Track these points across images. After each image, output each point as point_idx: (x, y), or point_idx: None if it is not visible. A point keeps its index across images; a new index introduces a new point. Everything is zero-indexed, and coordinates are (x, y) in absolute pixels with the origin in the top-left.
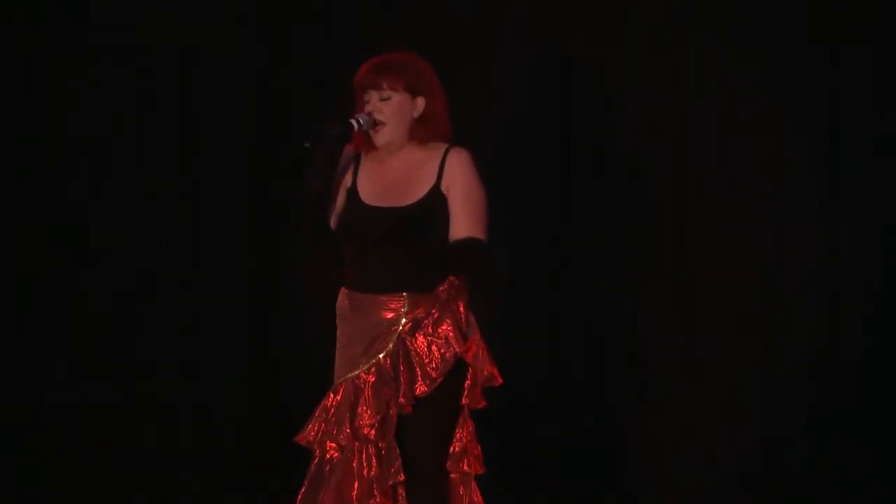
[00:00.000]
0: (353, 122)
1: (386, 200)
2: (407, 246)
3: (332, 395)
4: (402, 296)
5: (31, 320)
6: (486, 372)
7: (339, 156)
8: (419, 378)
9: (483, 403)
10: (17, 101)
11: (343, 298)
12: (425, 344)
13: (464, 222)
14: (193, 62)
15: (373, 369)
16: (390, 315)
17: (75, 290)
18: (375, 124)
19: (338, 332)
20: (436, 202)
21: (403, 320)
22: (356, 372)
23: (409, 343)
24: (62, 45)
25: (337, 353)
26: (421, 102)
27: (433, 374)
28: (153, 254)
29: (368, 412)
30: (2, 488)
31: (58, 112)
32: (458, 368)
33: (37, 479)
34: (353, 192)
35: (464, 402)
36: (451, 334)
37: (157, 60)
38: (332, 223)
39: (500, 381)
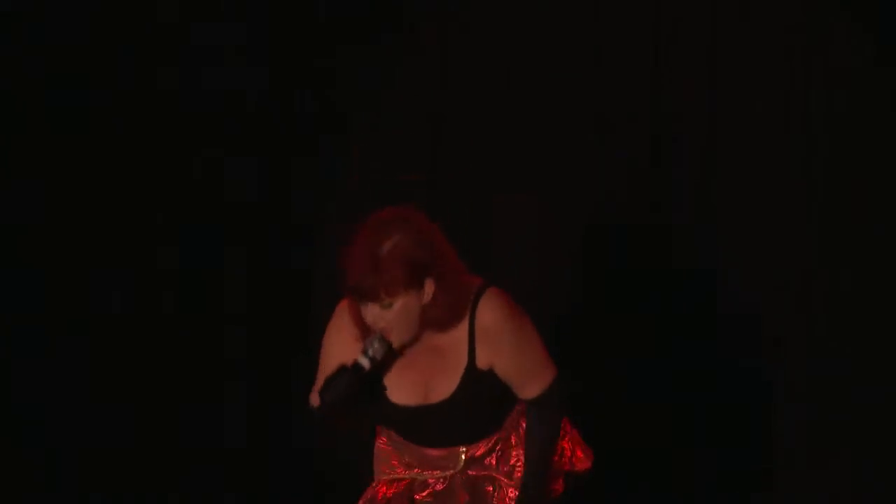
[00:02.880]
0: (365, 360)
1: (415, 398)
2: (451, 429)
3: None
4: (461, 449)
5: None
6: (578, 467)
7: (366, 388)
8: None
9: (559, 489)
10: None
11: (384, 438)
12: (488, 477)
13: (528, 384)
14: None
15: (426, 492)
16: (446, 458)
17: None
18: (389, 345)
19: (377, 441)
20: (474, 383)
21: (461, 462)
22: (398, 476)
23: (461, 483)
24: None
25: (377, 440)
26: (429, 286)
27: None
28: None
29: None
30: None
31: None
32: None
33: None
34: (375, 385)
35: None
36: (517, 468)
37: None
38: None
39: (588, 465)
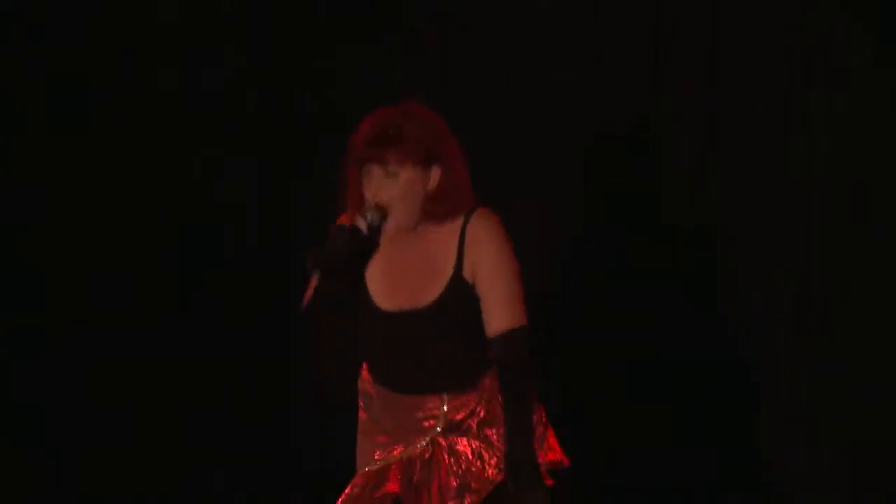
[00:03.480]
0: (361, 222)
1: (400, 301)
2: (433, 350)
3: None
4: (442, 398)
5: None
6: (548, 457)
7: (357, 254)
8: (452, 490)
9: (548, 482)
10: None
11: (366, 384)
12: (469, 450)
13: (498, 312)
14: None
15: (398, 475)
16: (426, 418)
17: None
18: (385, 216)
19: (360, 413)
20: (459, 292)
21: (441, 425)
22: (377, 466)
23: (445, 448)
24: None
25: (358, 436)
26: (435, 174)
27: (473, 485)
28: None
29: None
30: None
31: None
32: None
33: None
34: (361, 289)
35: None
36: (496, 442)
37: None
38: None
39: (567, 462)
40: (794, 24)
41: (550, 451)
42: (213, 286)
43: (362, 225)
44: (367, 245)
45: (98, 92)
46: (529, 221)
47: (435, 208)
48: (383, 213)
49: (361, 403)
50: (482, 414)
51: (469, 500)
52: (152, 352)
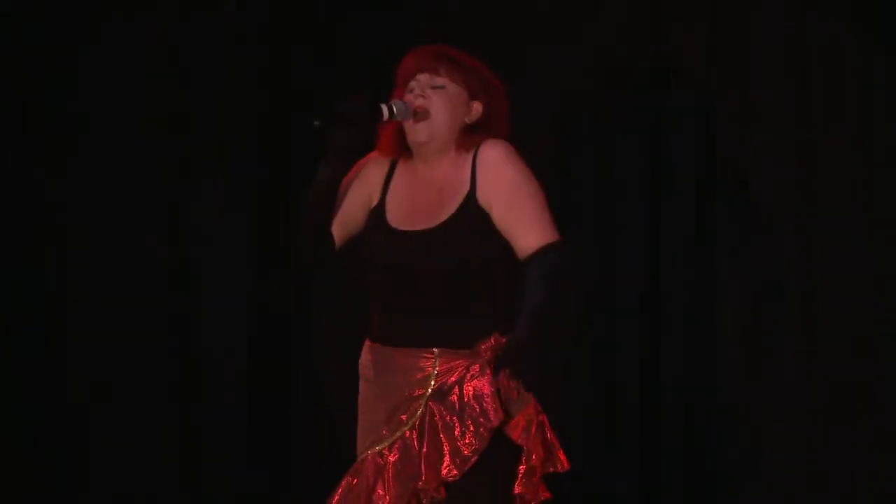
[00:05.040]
0: (384, 106)
1: (414, 223)
2: (438, 278)
3: (351, 475)
4: (433, 352)
5: None
6: (540, 454)
7: (356, 145)
8: (447, 457)
9: (546, 495)
10: None
11: (366, 353)
12: (457, 414)
13: (525, 231)
14: None
15: (397, 444)
16: (418, 375)
17: None
18: (415, 115)
19: (359, 396)
20: (471, 214)
21: (432, 382)
22: (378, 447)
23: (436, 412)
24: None
25: (359, 420)
26: (478, 107)
27: (465, 452)
28: None
29: (387, 498)
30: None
31: None
32: (507, 449)
33: None
34: (379, 211)
35: (517, 490)
36: (487, 402)
37: None
38: (336, 231)
39: (566, 466)
40: (794, 24)
41: (539, 447)
42: (214, 285)
43: (385, 111)
44: (365, 130)
45: (98, 91)
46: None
47: (468, 142)
48: (413, 111)
49: (361, 383)
50: (473, 378)
51: (460, 465)
52: (152, 351)
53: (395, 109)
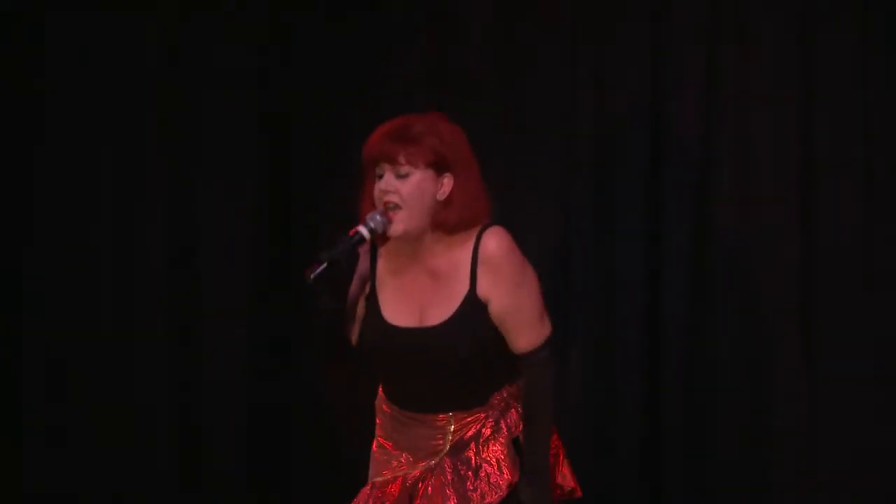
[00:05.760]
0: (364, 230)
1: (411, 318)
2: (443, 369)
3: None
4: (448, 416)
5: None
6: (557, 491)
7: (354, 271)
8: (452, 499)
9: None
10: None
11: (381, 402)
12: (472, 469)
13: (518, 335)
14: None
15: (401, 492)
16: (435, 438)
17: None
18: (387, 209)
19: (376, 430)
20: (472, 312)
21: (450, 438)
22: (388, 477)
23: (449, 467)
24: None
25: (372, 453)
26: (448, 182)
27: (475, 497)
28: None
29: None
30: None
31: None
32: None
33: None
34: (372, 303)
35: None
36: (501, 457)
37: None
38: (354, 336)
39: (579, 492)
40: (794, 24)
41: (563, 479)
42: (214, 285)
43: (364, 232)
44: (355, 260)
45: (99, 91)
46: (528, 221)
47: (445, 219)
48: (388, 220)
49: (378, 421)
50: (487, 432)
51: None
52: (152, 351)
53: (372, 225)
